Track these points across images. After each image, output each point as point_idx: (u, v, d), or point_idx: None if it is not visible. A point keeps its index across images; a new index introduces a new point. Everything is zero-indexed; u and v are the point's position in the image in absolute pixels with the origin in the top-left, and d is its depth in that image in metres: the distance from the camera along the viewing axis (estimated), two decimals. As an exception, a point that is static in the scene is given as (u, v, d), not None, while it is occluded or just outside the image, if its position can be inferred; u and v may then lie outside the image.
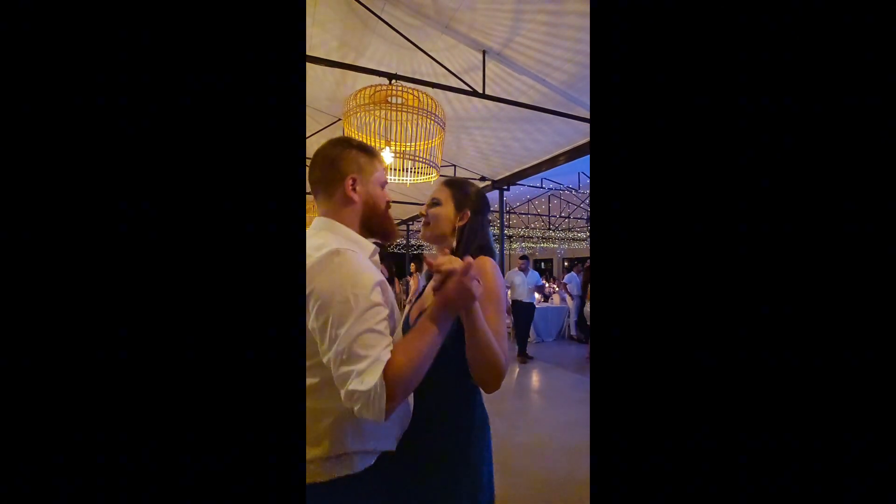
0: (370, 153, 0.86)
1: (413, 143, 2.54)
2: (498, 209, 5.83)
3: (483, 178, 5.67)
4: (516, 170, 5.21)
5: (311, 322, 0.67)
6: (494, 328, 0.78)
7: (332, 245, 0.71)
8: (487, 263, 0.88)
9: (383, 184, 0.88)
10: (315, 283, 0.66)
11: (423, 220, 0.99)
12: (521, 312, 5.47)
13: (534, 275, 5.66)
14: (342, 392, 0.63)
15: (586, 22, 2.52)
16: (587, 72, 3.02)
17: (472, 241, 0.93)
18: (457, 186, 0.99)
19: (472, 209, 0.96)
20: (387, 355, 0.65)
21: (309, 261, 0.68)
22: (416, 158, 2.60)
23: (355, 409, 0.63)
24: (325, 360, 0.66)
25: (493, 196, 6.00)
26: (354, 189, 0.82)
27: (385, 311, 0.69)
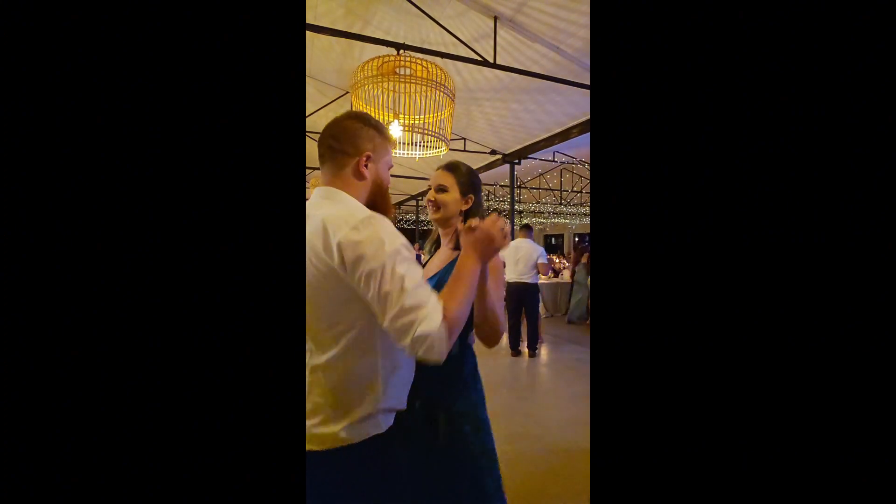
0: (384, 134, 0.89)
1: (422, 116, 2.48)
2: (508, 183, 5.75)
3: (493, 152, 5.56)
4: (528, 143, 5.09)
5: (362, 284, 0.71)
6: (498, 296, 0.96)
7: (361, 212, 0.77)
8: None
9: (390, 166, 0.92)
10: (361, 247, 0.70)
11: (431, 204, 1.08)
12: (514, 296, 4.25)
13: (526, 246, 4.30)
14: (407, 339, 0.68)
15: (604, -17, 2.38)
16: (603, 38, 2.88)
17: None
18: (458, 172, 1.08)
19: (473, 193, 1.07)
20: (439, 301, 0.72)
21: (346, 228, 0.72)
22: (426, 132, 2.55)
23: (420, 352, 0.69)
24: (385, 317, 0.70)
25: (503, 170, 5.90)
26: (367, 166, 0.85)
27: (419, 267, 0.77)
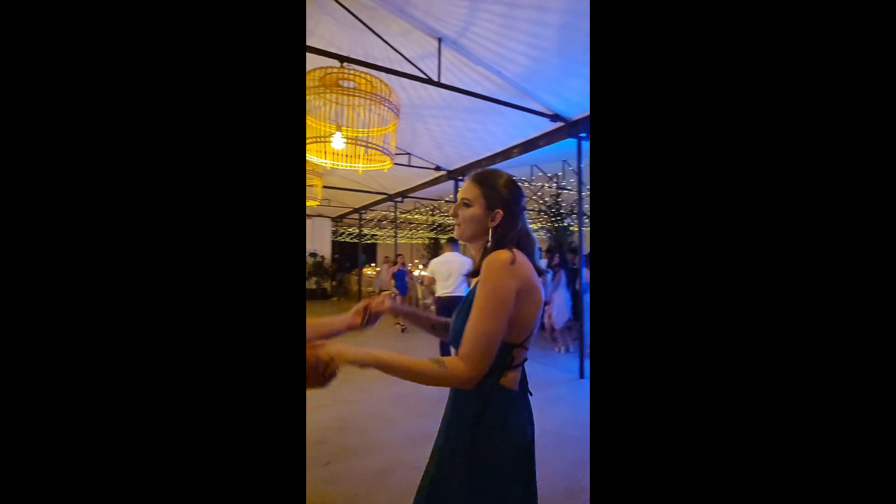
0: None
1: (366, 129, 2.45)
2: (453, 199, 5.83)
3: (438, 168, 5.64)
4: (471, 160, 5.23)
5: None
6: (474, 325, 0.80)
7: None
8: (500, 256, 0.85)
9: None
10: None
11: (455, 220, 0.95)
12: (442, 311, 3.81)
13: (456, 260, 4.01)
14: None
15: (541, 17, 2.55)
16: (542, 66, 3.07)
17: (505, 238, 0.90)
18: (487, 184, 0.92)
19: (504, 208, 0.91)
20: None
21: None
22: (370, 145, 2.51)
23: None
24: None
25: (448, 186, 5.99)
26: None
27: None
